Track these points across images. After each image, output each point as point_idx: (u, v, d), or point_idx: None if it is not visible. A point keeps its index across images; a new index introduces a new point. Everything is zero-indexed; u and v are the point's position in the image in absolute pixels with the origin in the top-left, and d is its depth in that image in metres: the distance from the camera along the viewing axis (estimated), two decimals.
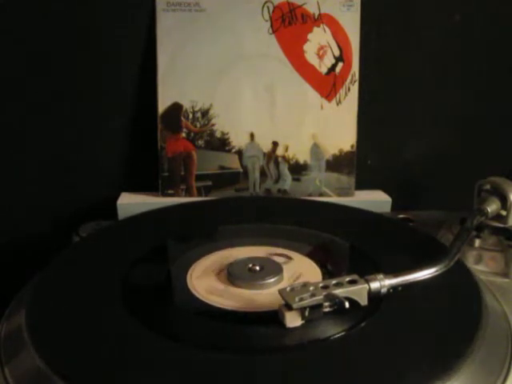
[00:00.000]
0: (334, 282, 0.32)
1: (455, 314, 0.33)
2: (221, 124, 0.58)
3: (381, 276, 0.33)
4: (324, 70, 0.58)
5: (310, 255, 0.41)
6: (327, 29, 0.57)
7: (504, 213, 0.42)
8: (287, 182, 0.59)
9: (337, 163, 0.59)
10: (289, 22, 0.57)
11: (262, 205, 0.54)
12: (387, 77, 0.61)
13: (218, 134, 0.58)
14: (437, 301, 0.34)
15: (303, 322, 0.31)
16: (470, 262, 0.43)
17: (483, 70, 0.62)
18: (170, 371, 0.28)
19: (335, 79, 0.58)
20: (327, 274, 0.39)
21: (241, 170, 0.59)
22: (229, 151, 0.58)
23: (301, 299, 0.30)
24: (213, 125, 0.58)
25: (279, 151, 0.59)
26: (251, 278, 0.36)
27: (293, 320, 0.31)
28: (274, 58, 0.57)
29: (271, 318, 0.32)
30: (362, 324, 0.31)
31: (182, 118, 0.57)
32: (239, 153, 0.58)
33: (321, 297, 0.31)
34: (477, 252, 0.44)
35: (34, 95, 0.58)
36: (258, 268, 0.37)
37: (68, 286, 0.37)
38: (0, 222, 0.61)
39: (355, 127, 0.58)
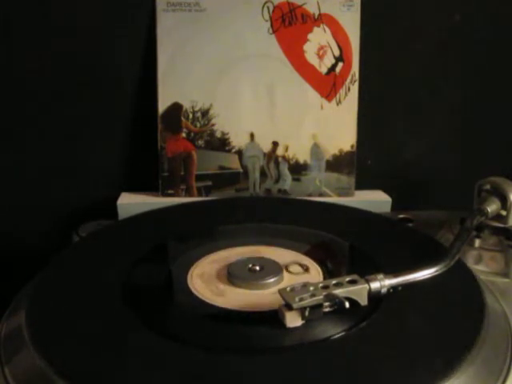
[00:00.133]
0: (334, 282, 0.32)
1: (455, 314, 0.33)
2: (221, 124, 0.58)
3: (381, 276, 0.33)
4: (324, 70, 0.58)
5: (310, 255, 0.41)
6: (327, 29, 0.57)
7: (504, 213, 0.42)
8: (287, 182, 0.59)
9: (337, 163, 0.59)
10: (289, 21, 0.57)
11: (262, 205, 0.54)
12: (387, 77, 0.61)
13: (218, 134, 0.58)
14: (437, 301, 0.34)
15: (303, 321, 0.31)
16: (470, 262, 0.43)
17: (483, 70, 0.62)
18: (170, 371, 0.28)
19: (335, 79, 0.58)
20: (327, 273, 0.39)
21: (241, 170, 0.59)
22: (229, 151, 0.58)
23: (301, 299, 0.30)
24: (213, 125, 0.58)
25: (279, 151, 0.59)
26: (251, 277, 0.36)
27: (293, 320, 0.31)
28: (274, 58, 0.57)
29: (271, 317, 0.32)
30: (362, 324, 0.31)
31: (182, 118, 0.57)
32: (239, 153, 0.58)
33: (321, 297, 0.31)
34: (477, 252, 0.44)
35: (34, 95, 0.58)
36: (257, 268, 0.37)
37: (68, 285, 0.37)
38: (0, 222, 0.61)
39: (355, 127, 0.58)
